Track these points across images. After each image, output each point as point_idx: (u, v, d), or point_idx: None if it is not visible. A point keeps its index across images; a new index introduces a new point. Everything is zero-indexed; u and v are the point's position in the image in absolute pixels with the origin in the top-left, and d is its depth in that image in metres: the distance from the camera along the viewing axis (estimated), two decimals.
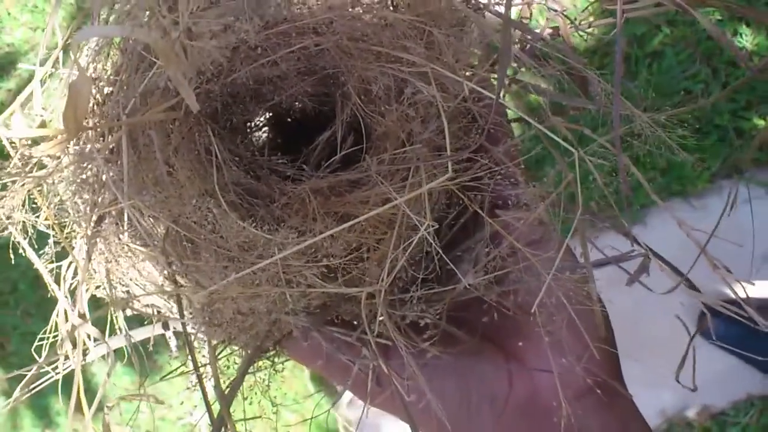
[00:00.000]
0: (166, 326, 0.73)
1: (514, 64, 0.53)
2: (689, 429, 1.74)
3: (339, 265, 0.49)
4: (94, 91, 0.56)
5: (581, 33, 0.58)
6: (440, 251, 0.49)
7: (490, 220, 0.51)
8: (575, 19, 0.57)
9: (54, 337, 0.61)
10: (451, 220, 0.55)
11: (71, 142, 0.52)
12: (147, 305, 0.64)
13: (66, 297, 0.49)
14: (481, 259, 0.58)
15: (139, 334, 0.78)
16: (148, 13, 0.44)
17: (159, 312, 0.63)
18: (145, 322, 0.68)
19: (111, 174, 0.50)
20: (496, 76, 0.59)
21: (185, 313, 0.54)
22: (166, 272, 0.49)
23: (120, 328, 0.66)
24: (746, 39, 1.68)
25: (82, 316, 0.47)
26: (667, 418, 1.71)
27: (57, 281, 0.51)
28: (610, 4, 0.64)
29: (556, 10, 0.57)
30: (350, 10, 0.51)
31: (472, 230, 0.57)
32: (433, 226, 0.47)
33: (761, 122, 1.67)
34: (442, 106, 0.48)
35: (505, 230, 0.54)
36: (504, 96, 0.56)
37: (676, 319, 0.58)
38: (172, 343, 0.73)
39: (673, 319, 0.59)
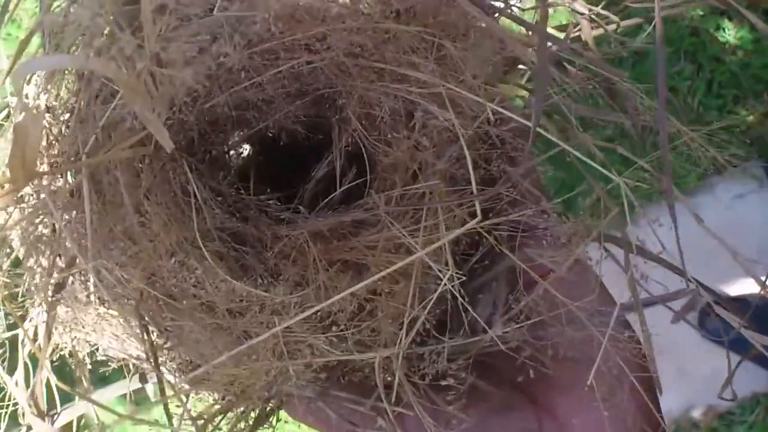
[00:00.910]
0: (143, 379, 0.67)
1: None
2: (696, 429, 1.73)
3: (348, 325, 0.43)
4: (47, 124, 0.50)
5: (612, 39, 0.52)
6: (466, 305, 0.44)
7: (524, 265, 0.45)
8: (605, 21, 0.51)
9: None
10: (465, 254, 0.49)
11: (24, 191, 0.46)
12: (121, 359, 0.58)
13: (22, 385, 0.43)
14: (501, 299, 0.52)
15: (112, 392, 0.72)
16: (106, 36, 0.38)
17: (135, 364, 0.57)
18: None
19: (71, 226, 0.44)
20: (520, 93, 0.53)
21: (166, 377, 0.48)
22: (143, 345, 0.43)
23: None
24: (729, 33, 1.69)
25: (41, 414, 0.41)
26: (674, 419, 1.69)
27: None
28: (634, 1, 0.59)
29: (582, 13, 0.51)
30: (346, 22, 0.45)
31: (489, 261, 0.52)
32: (458, 278, 0.42)
33: (750, 117, 1.67)
34: (461, 133, 0.42)
35: (535, 270, 0.49)
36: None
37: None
38: (151, 390, 0.67)
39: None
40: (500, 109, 0.43)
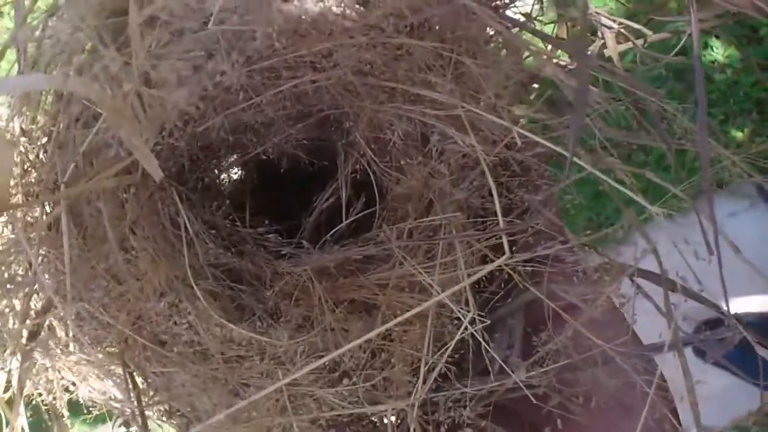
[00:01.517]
0: (127, 425, 0.63)
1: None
2: None
3: (358, 373, 0.40)
4: (22, 149, 0.46)
5: (639, 54, 0.49)
6: (490, 350, 0.40)
7: (555, 306, 0.42)
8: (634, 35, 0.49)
9: None
10: (479, 287, 0.46)
11: None
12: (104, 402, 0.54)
13: None
14: (517, 337, 0.49)
15: None
16: (88, 53, 0.35)
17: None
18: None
19: (47, 264, 0.41)
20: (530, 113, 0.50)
21: None
22: (127, 396, 0.40)
23: None
24: (717, 51, 1.70)
25: None
26: None
27: None
28: (660, 14, 0.57)
29: (609, 27, 0.48)
30: (355, 36, 0.42)
31: (504, 293, 0.49)
32: (482, 321, 0.38)
33: (739, 134, 1.68)
34: (483, 159, 0.39)
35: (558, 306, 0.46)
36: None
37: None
38: None
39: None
40: (526, 133, 0.40)
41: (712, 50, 1.75)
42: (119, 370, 0.42)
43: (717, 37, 1.71)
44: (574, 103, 0.35)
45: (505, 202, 0.45)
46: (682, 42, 0.51)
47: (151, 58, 0.34)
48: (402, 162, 0.44)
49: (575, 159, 0.40)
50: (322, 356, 0.36)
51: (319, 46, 0.42)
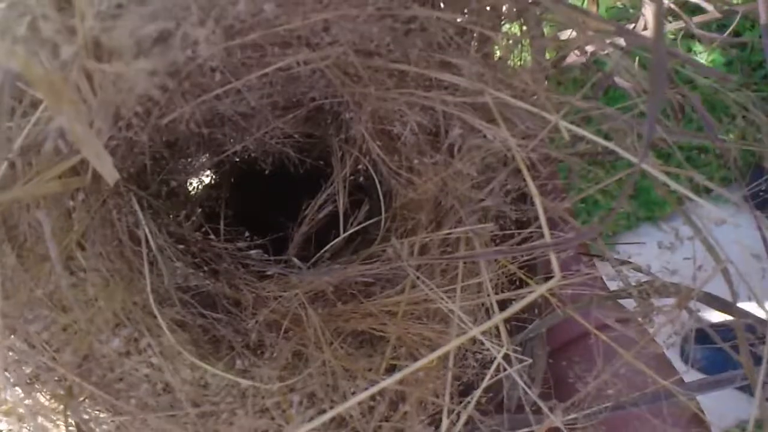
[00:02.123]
0: None
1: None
2: None
3: (365, 428, 0.33)
4: None
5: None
6: (530, 392, 0.34)
7: (601, 335, 0.35)
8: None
9: None
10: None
11: None
12: None
13: None
14: (540, 366, 0.43)
15: None
16: (20, 13, 0.28)
17: None
18: None
19: None
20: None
21: None
22: None
23: None
24: (700, 56, 1.70)
25: None
26: None
27: None
28: None
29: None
30: (359, 7, 0.35)
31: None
32: (521, 361, 0.32)
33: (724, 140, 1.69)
34: (520, 157, 0.32)
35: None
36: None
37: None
38: None
39: None
40: (572, 127, 0.34)
41: (696, 55, 1.75)
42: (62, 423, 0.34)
43: (700, 41, 1.69)
44: (650, 90, 0.29)
45: (526, 214, 0.38)
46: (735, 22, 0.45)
47: (104, 21, 0.27)
48: (414, 161, 0.37)
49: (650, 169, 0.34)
50: (323, 410, 0.28)
51: (315, 17, 0.35)
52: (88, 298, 0.35)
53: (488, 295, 0.35)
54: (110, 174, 0.29)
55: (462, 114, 0.36)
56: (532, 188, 0.33)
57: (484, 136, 0.35)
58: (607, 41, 0.38)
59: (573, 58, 0.47)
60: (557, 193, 0.44)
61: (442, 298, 0.34)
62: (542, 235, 0.41)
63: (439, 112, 0.37)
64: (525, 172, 0.33)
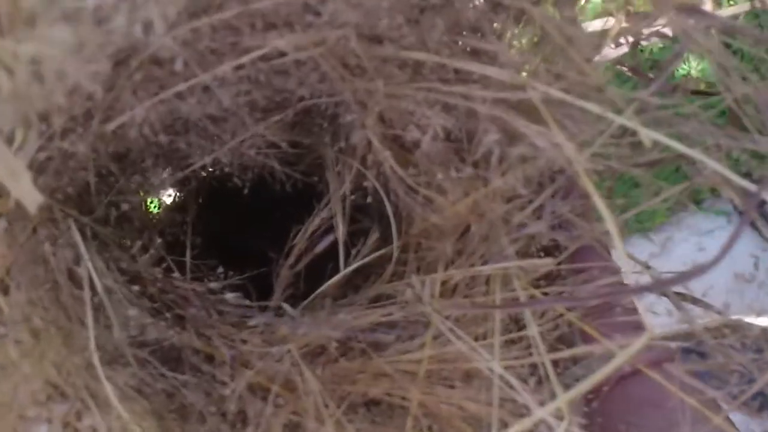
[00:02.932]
0: None
1: None
2: None
3: None
4: None
5: None
6: None
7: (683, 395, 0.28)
8: None
9: None
10: None
11: None
12: None
13: None
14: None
15: None
16: None
17: None
18: None
19: None
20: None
21: None
22: None
23: None
24: (690, 65, 1.70)
25: None
26: None
27: None
28: None
29: None
30: None
31: None
32: None
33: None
34: (581, 169, 0.25)
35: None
36: None
37: None
38: None
39: None
40: (652, 133, 0.26)
41: (685, 63, 1.75)
42: None
43: (690, 50, 1.70)
44: None
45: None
46: None
47: None
48: (437, 176, 0.30)
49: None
50: None
51: None
52: (11, 360, 0.28)
53: (537, 351, 0.28)
54: (30, 196, 0.22)
55: (499, 114, 0.29)
56: (602, 208, 0.25)
57: (532, 144, 0.27)
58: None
59: (607, 50, 0.41)
60: (588, 211, 0.37)
61: (483, 357, 0.27)
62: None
63: (466, 112, 0.30)
64: (590, 187, 0.26)
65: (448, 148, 0.30)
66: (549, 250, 0.33)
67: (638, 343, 0.23)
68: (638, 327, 0.42)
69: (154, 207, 0.41)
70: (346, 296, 0.35)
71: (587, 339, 0.36)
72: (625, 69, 0.38)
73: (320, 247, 0.34)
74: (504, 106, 0.29)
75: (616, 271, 0.39)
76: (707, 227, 1.63)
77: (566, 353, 0.27)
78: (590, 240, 0.35)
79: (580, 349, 0.26)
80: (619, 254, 0.27)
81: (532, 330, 0.28)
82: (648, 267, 0.36)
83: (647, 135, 0.26)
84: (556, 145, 0.27)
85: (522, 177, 0.28)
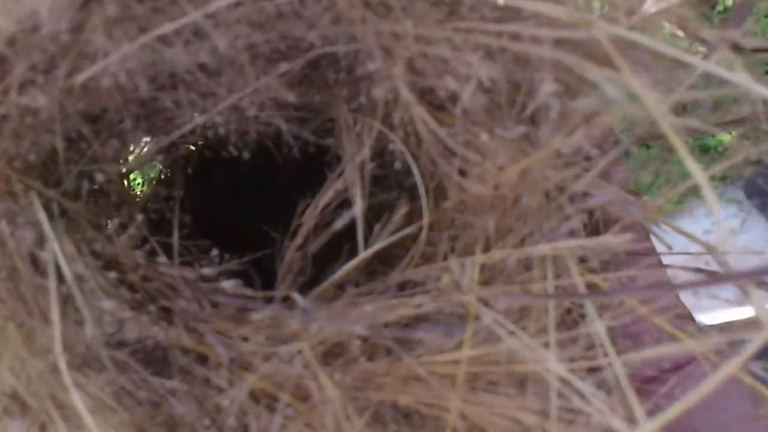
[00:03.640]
0: None
1: None
2: None
3: None
4: None
5: None
6: None
7: None
8: None
9: None
10: None
11: None
12: None
13: None
14: None
15: None
16: None
17: None
18: None
19: None
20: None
21: None
22: None
23: None
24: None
25: None
26: None
27: None
28: None
29: None
30: None
31: None
32: None
33: (726, 137, 1.70)
34: (670, 126, 0.21)
35: None
36: None
37: None
38: None
39: None
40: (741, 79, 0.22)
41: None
42: None
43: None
44: None
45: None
46: None
47: None
48: (481, 136, 0.25)
49: None
50: None
51: None
52: None
53: (602, 351, 0.23)
54: None
55: (558, 58, 0.24)
56: (692, 166, 0.21)
57: (605, 96, 0.23)
58: None
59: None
60: (624, 184, 0.32)
61: (537, 356, 0.22)
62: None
63: (515, 58, 0.25)
64: (682, 150, 0.21)
65: (494, 103, 0.25)
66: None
67: (751, 347, 0.18)
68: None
69: (136, 179, 0.36)
70: (364, 282, 0.30)
71: (650, 334, 0.31)
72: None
73: (338, 225, 0.29)
74: (563, 49, 0.24)
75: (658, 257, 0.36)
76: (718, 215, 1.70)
77: (638, 355, 0.23)
78: (641, 218, 0.30)
79: (654, 351, 0.22)
80: (718, 226, 0.23)
81: (597, 326, 0.23)
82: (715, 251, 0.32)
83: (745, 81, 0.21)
84: (630, 96, 0.23)
85: (589, 137, 0.23)
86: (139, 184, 0.37)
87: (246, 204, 0.38)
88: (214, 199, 0.39)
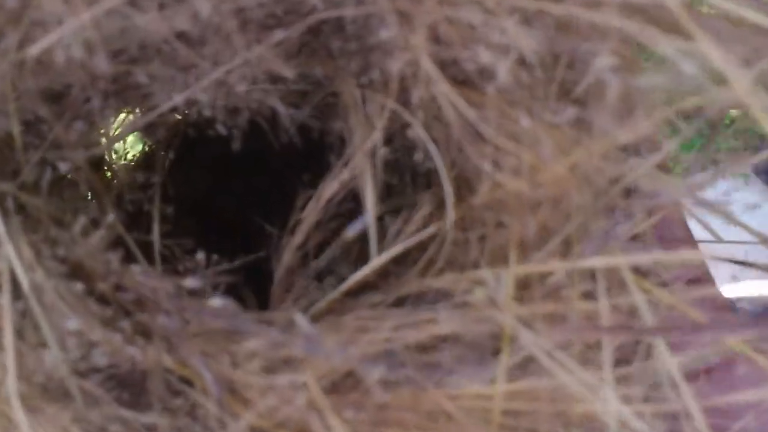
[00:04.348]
0: None
1: None
2: None
3: None
4: None
5: None
6: None
7: None
8: None
9: None
10: None
11: None
12: None
13: None
14: None
15: None
16: None
17: None
18: None
19: None
20: None
21: None
22: None
23: None
24: None
25: None
26: None
27: None
28: None
29: None
30: None
31: None
32: None
33: (733, 111, 1.70)
34: (760, 104, 0.17)
35: None
36: None
37: None
38: None
39: None
40: None
41: None
42: None
43: None
44: None
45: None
46: None
47: None
48: (521, 121, 0.21)
49: None
50: None
51: None
52: None
53: (679, 398, 0.19)
54: None
55: (614, 25, 0.20)
56: None
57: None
58: None
59: None
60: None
61: (595, 394, 0.18)
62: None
63: (559, 24, 0.21)
64: None
65: (536, 81, 0.21)
66: None
67: None
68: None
69: (109, 166, 0.32)
70: (374, 285, 0.26)
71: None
72: None
73: (350, 234, 0.25)
74: (618, 13, 0.20)
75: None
76: (724, 188, 1.64)
77: (722, 399, 0.19)
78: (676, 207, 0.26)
79: (744, 395, 0.18)
80: None
81: (669, 363, 0.19)
82: None
83: None
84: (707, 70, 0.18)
85: (659, 121, 0.19)
86: (110, 167, 0.33)
87: (235, 194, 0.34)
88: (200, 182, 0.35)
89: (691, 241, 0.34)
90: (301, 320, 0.21)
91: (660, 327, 0.21)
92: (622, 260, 0.21)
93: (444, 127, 0.23)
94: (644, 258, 0.21)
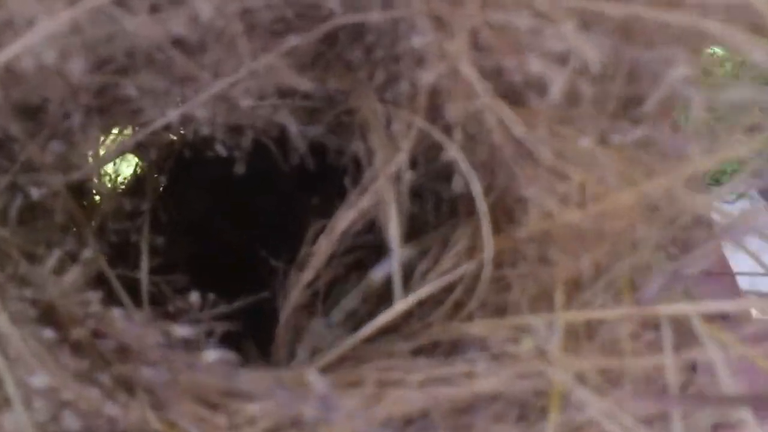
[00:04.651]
0: None
1: None
2: None
3: None
4: None
5: None
6: None
7: None
8: None
9: None
10: None
11: None
12: None
13: None
14: None
15: None
16: None
17: None
18: None
19: None
20: None
21: None
22: None
23: None
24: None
25: None
26: None
27: None
28: None
29: None
30: None
31: None
32: None
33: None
34: None
35: None
36: None
37: None
38: None
39: None
40: None
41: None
42: None
43: None
44: None
45: None
46: None
47: None
48: (581, 140, 0.18)
49: None
50: None
51: None
52: None
53: None
54: None
55: (689, 27, 0.17)
56: None
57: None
58: None
59: None
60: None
61: None
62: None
63: (623, 30, 0.18)
64: None
65: (598, 94, 0.18)
66: None
67: None
68: None
69: (95, 192, 0.29)
70: (395, 327, 0.23)
71: None
72: None
73: (376, 277, 0.22)
74: (693, 14, 0.17)
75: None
76: (727, 197, 1.69)
77: None
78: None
79: None
80: None
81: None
82: None
83: None
84: None
85: (756, 144, 0.16)
86: (92, 193, 0.30)
87: (235, 223, 0.31)
88: (196, 203, 0.32)
89: (728, 273, 0.31)
90: (315, 377, 0.18)
91: (749, 397, 0.17)
92: (691, 308, 0.18)
93: (485, 148, 0.20)
94: (719, 305, 0.18)
